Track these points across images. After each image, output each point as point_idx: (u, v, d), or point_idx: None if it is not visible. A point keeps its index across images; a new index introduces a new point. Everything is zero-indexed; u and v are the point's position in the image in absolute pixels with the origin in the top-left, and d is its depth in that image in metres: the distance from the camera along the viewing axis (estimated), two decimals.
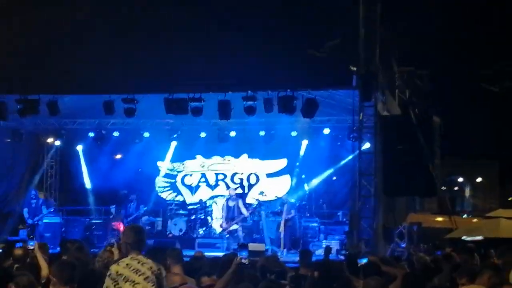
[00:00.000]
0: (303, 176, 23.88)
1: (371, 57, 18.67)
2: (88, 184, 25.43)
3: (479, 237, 21.18)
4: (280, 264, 10.66)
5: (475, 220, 30.40)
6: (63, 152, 25.85)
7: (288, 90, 19.08)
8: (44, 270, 9.32)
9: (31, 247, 10.09)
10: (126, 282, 6.79)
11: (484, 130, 45.89)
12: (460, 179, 57.97)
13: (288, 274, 9.85)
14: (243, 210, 21.43)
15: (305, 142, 23.77)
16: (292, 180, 24.60)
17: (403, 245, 20.33)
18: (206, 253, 12.69)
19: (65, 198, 25.67)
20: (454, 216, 24.95)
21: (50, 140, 25.22)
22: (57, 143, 25.23)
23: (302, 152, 23.94)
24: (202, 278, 8.38)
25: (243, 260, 8.19)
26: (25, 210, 22.03)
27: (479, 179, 58.05)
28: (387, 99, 19.61)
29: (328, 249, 16.25)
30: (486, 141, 48.28)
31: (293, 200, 22.63)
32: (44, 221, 21.99)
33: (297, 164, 24.33)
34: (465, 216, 39.64)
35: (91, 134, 24.68)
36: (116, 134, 24.82)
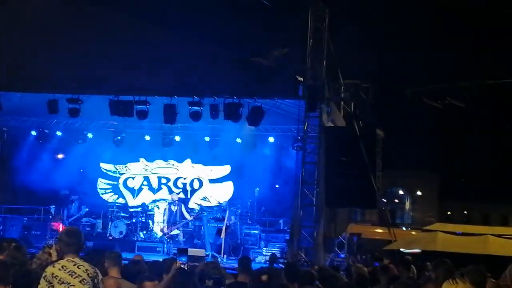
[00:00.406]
0: (246, 183, 23.86)
1: (318, 68, 18.89)
2: (28, 183, 24.96)
3: (417, 250, 21.54)
4: (220, 270, 10.63)
5: (413, 232, 30.87)
6: (4, 149, 25.36)
7: (235, 97, 19.17)
8: None
9: None
10: (61, 284, 6.73)
11: (426, 145, 46.71)
12: (401, 192, 58.89)
13: (226, 281, 9.84)
14: (186, 215, 21.40)
15: (249, 150, 23.77)
16: (234, 187, 24.60)
17: (343, 255, 20.48)
18: (146, 257, 12.62)
19: (4, 196, 25.17)
20: (393, 228, 25.25)
21: None
22: None
23: (246, 159, 23.93)
24: (144, 283, 8.32)
25: (182, 265, 8.17)
26: None
27: (419, 193, 59.04)
28: (332, 110, 19.81)
29: (273, 257, 16.17)
30: (427, 156, 49.18)
31: (235, 207, 22.61)
32: None
33: (241, 171, 24.32)
34: (404, 228, 40.20)
35: (34, 133, 24.36)
36: (59, 133, 24.56)
